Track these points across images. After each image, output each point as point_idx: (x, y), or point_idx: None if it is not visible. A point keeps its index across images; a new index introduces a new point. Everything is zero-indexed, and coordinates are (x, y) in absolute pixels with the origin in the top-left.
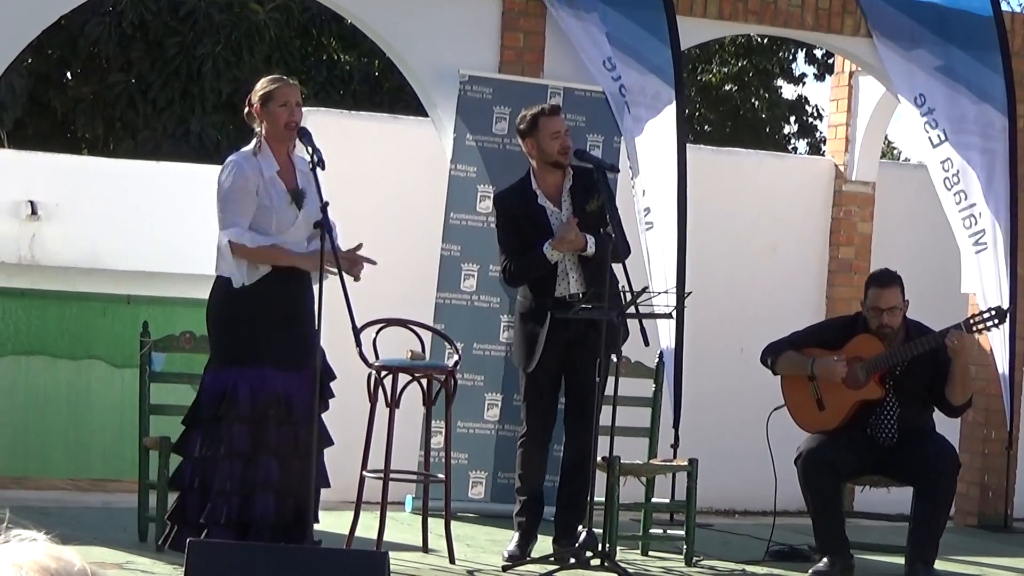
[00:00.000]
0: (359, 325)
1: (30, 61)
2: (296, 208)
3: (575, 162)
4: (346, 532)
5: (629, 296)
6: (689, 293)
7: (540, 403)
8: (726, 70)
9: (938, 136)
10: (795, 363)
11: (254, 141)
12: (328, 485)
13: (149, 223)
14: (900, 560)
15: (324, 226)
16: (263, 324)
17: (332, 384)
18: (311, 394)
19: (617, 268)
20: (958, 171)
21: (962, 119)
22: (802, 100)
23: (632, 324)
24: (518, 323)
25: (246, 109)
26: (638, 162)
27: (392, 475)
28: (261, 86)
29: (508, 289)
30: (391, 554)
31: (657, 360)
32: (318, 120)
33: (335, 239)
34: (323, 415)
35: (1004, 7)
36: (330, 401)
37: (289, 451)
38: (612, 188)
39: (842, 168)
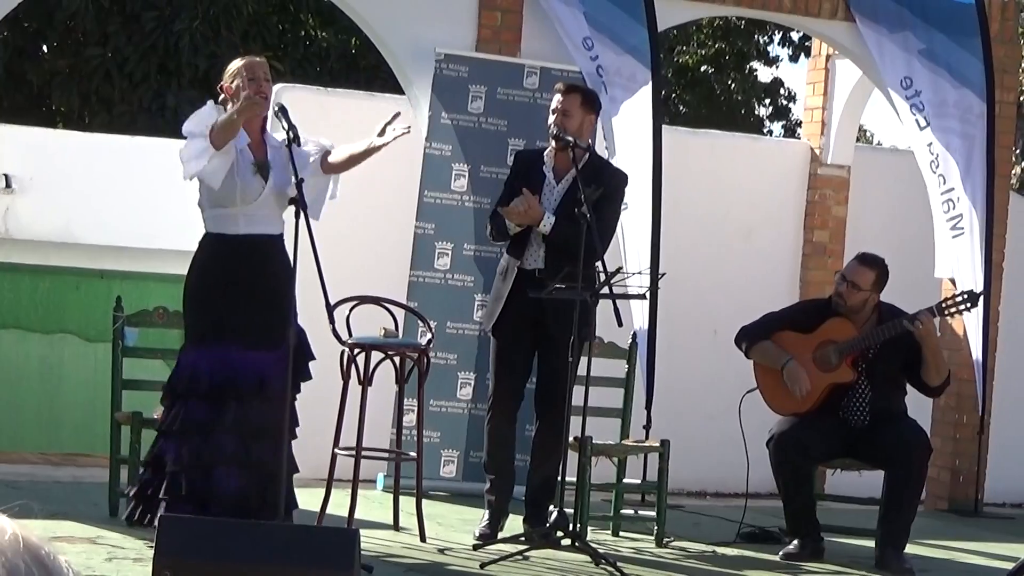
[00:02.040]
0: (332, 302)
1: (6, 34)
2: (262, 179)
3: (562, 141)
4: (317, 509)
5: (603, 277)
6: (663, 274)
7: (506, 375)
8: (703, 52)
9: (924, 119)
10: (769, 355)
11: None
12: (296, 470)
13: (124, 198)
14: (870, 543)
15: (300, 202)
16: (231, 303)
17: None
18: (285, 374)
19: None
20: (938, 155)
21: (943, 103)
22: (777, 82)
23: (605, 305)
24: (495, 281)
25: (220, 96)
26: (614, 142)
27: (364, 453)
28: (230, 67)
29: (484, 266)
30: (362, 532)
31: (630, 341)
32: (294, 96)
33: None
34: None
35: None
36: (301, 381)
37: (256, 430)
38: (623, 180)
39: (817, 151)
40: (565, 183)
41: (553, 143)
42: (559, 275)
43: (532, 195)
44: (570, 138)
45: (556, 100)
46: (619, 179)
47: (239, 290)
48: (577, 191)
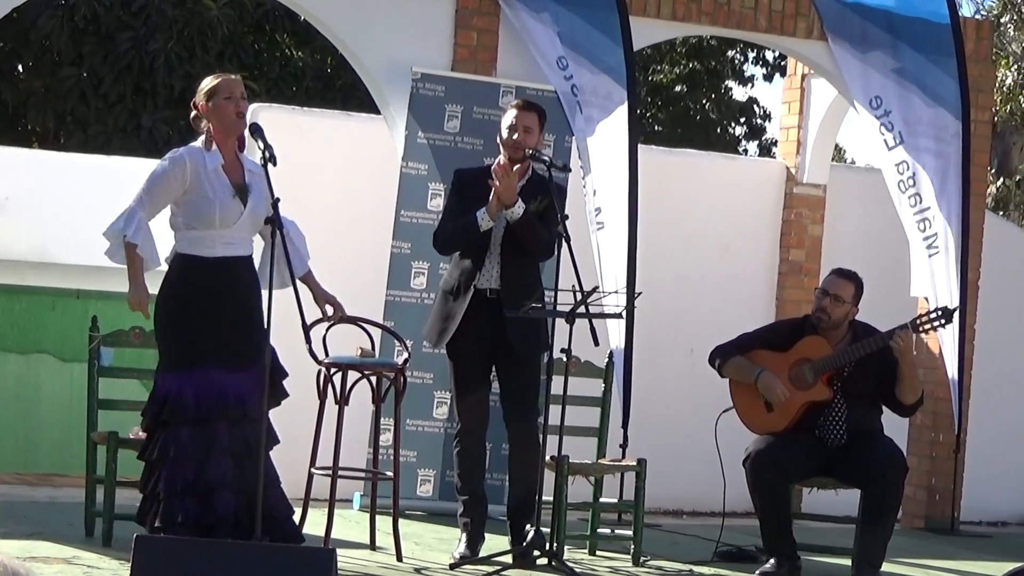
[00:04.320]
0: (309, 322)
1: None
2: (241, 203)
3: (527, 158)
4: None
5: (579, 296)
6: (639, 293)
7: (471, 394)
8: (677, 71)
9: (894, 139)
10: (742, 370)
11: (202, 137)
12: (277, 481)
13: (99, 218)
14: (847, 562)
15: (276, 222)
16: (208, 325)
17: (283, 381)
18: (261, 392)
19: (568, 267)
20: (913, 174)
21: (917, 122)
22: (751, 101)
23: (582, 324)
24: (438, 299)
25: (192, 113)
26: (589, 162)
27: (340, 472)
28: (204, 85)
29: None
30: (339, 551)
31: (607, 360)
32: (270, 116)
33: (287, 235)
34: (272, 411)
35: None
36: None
37: (243, 451)
38: (562, 194)
39: (793, 170)
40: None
41: (504, 154)
42: (535, 295)
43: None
44: (546, 158)
45: (513, 116)
46: (560, 192)
47: (215, 312)
48: (527, 201)
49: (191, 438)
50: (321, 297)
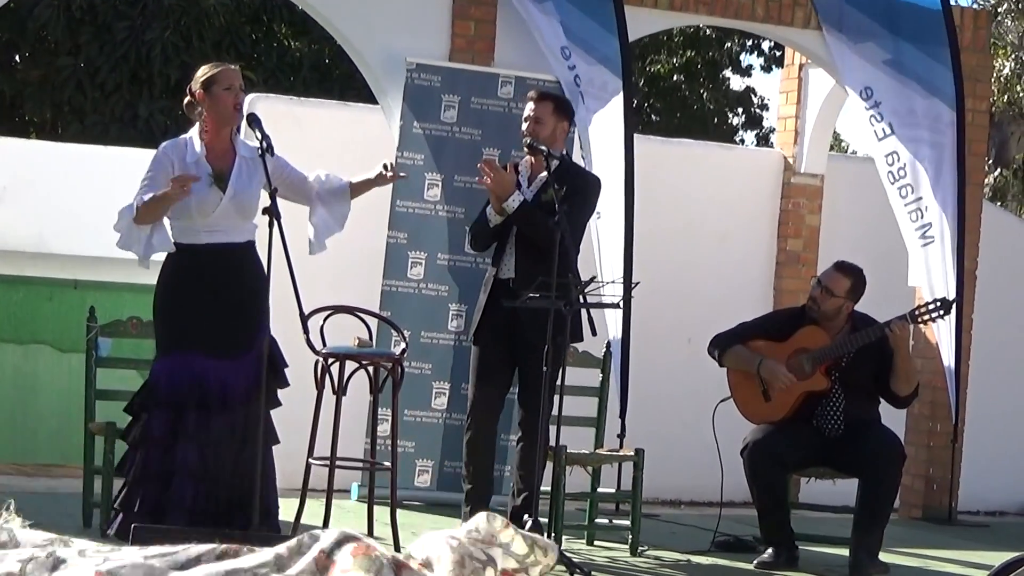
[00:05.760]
0: (306, 312)
1: None
2: (219, 191)
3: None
4: (292, 519)
5: (577, 286)
6: (637, 283)
7: (485, 384)
8: (675, 61)
9: (883, 130)
10: (742, 359)
11: (195, 127)
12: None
13: (97, 208)
14: (845, 551)
15: (273, 212)
16: (192, 312)
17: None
18: (254, 381)
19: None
20: (904, 165)
21: (911, 113)
22: (749, 91)
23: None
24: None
25: (186, 99)
26: (591, 152)
27: (338, 462)
28: (202, 72)
29: (458, 276)
30: None
31: (604, 350)
32: (267, 106)
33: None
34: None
35: (952, 1)
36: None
37: (219, 439)
38: (585, 191)
39: (791, 160)
40: (535, 187)
41: (525, 150)
42: (533, 284)
43: (507, 171)
44: (544, 148)
45: (529, 108)
46: (586, 180)
47: (203, 299)
48: (544, 193)
49: (162, 422)
50: (375, 179)
